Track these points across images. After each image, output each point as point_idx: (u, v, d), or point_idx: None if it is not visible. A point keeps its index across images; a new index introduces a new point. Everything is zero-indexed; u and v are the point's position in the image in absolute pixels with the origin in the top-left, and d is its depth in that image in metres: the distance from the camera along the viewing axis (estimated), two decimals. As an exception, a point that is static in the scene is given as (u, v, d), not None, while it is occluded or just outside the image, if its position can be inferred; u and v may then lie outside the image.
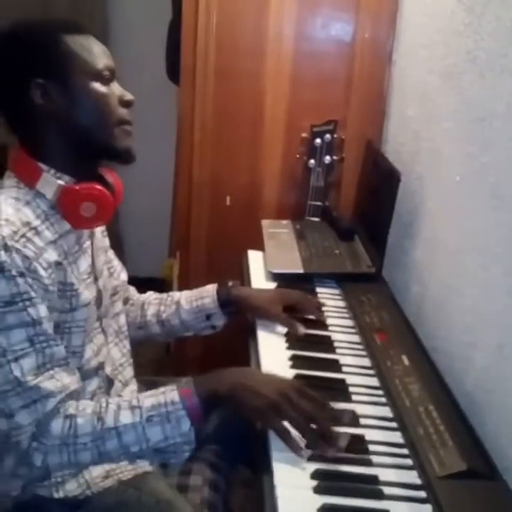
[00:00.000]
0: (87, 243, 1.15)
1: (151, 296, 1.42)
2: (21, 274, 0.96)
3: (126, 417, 0.99)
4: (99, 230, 1.23)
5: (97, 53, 1.07)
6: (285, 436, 0.98)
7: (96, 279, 1.17)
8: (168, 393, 1.02)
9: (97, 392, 1.15)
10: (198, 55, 1.83)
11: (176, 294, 1.41)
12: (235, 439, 1.31)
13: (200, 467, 1.27)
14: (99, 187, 1.09)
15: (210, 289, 1.39)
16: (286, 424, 0.99)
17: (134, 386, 1.28)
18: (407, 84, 1.74)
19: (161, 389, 1.04)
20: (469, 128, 1.27)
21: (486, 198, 1.18)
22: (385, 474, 0.95)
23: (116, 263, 1.31)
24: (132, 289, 1.42)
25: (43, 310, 0.99)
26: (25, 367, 0.97)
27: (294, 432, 0.99)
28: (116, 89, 1.09)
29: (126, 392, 1.24)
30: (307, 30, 1.86)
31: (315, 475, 0.93)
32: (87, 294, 1.11)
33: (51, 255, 1.03)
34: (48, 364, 1.00)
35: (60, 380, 1.01)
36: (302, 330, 1.31)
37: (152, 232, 2.86)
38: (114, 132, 1.09)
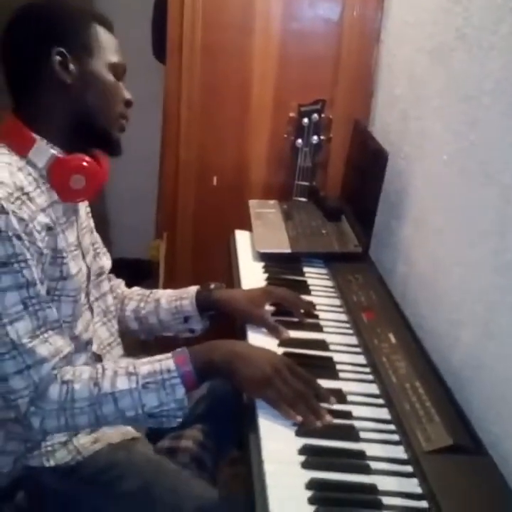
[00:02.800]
0: (73, 217, 1.15)
1: (134, 291, 1.39)
2: (18, 237, 0.96)
3: (122, 383, 1.00)
4: (84, 211, 1.23)
5: (117, 51, 1.13)
6: (278, 404, 1.00)
7: (83, 256, 1.18)
8: (164, 361, 1.03)
9: None
10: (184, 32, 1.80)
11: (159, 292, 1.37)
12: (223, 418, 1.32)
13: (188, 445, 1.28)
14: (90, 160, 1.10)
15: (191, 290, 1.34)
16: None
17: None
18: (395, 63, 1.73)
19: (157, 357, 1.04)
20: (458, 106, 1.26)
21: (474, 176, 1.18)
22: (372, 449, 0.96)
23: (100, 246, 1.29)
24: (119, 282, 1.39)
25: (37, 272, 1.00)
26: (20, 330, 0.97)
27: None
28: (123, 87, 1.15)
29: None
30: (295, 8, 1.84)
31: (303, 450, 0.93)
32: (74, 264, 1.10)
33: (44, 219, 1.03)
34: (42, 327, 1.00)
35: (54, 344, 1.01)
36: (286, 334, 1.24)
37: (139, 213, 2.83)
38: (114, 122, 1.13)
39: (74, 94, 1.08)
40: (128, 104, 1.15)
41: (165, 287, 1.48)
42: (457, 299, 1.22)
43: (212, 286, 1.35)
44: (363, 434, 0.99)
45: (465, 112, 1.23)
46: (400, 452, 0.96)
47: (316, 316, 1.34)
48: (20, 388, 0.98)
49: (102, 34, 1.12)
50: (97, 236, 1.28)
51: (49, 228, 1.04)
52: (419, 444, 0.96)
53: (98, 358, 1.19)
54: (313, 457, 0.92)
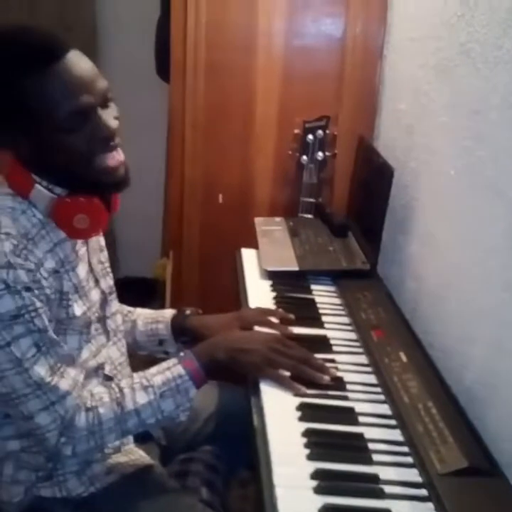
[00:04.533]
0: (83, 249, 1.14)
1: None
2: (27, 289, 0.97)
3: (142, 398, 1.06)
4: None
5: (67, 93, 0.96)
6: (283, 381, 1.11)
7: (97, 282, 1.17)
8: (173, 368, 1.10)
9: None
10: (187, 51, 1.80)
11: (137, 312, 1.38)
12: (233, 438, 1.31)
13: (198, 468, 1.27)
14: (91, 199, 1.06)
15: (167, 314, 1.36)
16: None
17: None
18: (399, 79, 1.73)
19: (164, 365, 1.11)
20: (464, 121, 1.26)
21: (483, 191, 1.17)
22: (385, 473, 0.94)
23: (109, 264, 1.28)
24: None
25: (46, 317, 1.01)
26: (41, 371, 0.99)
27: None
28: (93, 124, 1.00)
29: None
30: (297, 25, 1.84)
31: (315, 475, 0.92)
32: (81, 304, 1.10)
33: (50, 263, 1.04)
34: (57, 363, 1.02)
35: (69, 376, 1.03)
36: None
37: (144, 232, 2.84)
38: (95, 174, 1.04)
39: (40, 161, 1.02)
40: (107, 138, 1.02)
41: (172, 306, 1.47)
42: (468, 316, 1.21)
43: (187, 312, 1.37)
44: (375, 457, 0.97)
45: (471, 128, 1.22)
46: (414, 475, 0.95)
47: (292, 320, 1.33)
48: (47, 423, 1.02)
49: (38, 92, 0.95)
50: (106, 255, 1.27)
51: (55, 271, 1.04)
52: (433, 467, 0.94)
53: (109, 380, 1.18)
54: (325, 482, 0.91)
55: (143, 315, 1.37)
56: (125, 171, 1.07)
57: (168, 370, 1.09)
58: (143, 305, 1.44)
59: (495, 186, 1.12)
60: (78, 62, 0.99)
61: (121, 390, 1.07)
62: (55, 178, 1.05)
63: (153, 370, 1.11)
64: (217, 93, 1.86)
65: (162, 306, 1.92)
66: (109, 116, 1.02)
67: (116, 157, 1.05)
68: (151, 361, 1.29)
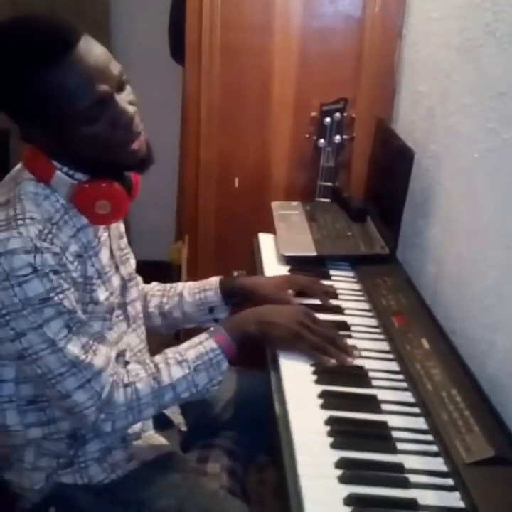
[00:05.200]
0: (105, 235, 1.14)
1: (154, 287, 1.40)
2: (55, 272, 0.98)
3: (177, 372, 1.08)
4: None
5: (84, 84, 0.95)
6: (313, 353, 1.14)
7: (117, 268, 1.17)
8: (205, 342, 1.11)
9: None
10: (203, 32, 1.77)
11: (180, 285, 1.39)
12: (252, 426, 1.31)
13: (218, 454, 1.27)
14: (112, 184, 1.06)
15: (214, 281, 1.37)
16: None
17: None
18: (419, 60, 1.69)
19: (195, 340, 1.13)
20: (489, 103, 1.23)
21: (508, 175, 1.14)
22: (410, 462, 0.93)
23: (128, 250, 1.28)
24: (139, 279, 1.39)
25: (74, 299, 1.02)
26: (75, 349, 1.01)
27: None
28: (112, 111, 0.99)
29: None
30: (315, 5, 1.80)
31: (339, 464, 0.91)
32: (104, 289, 1.10)
33: (74, 248, 1.04)
34: (89, 341, 1.03)
35: (102, 353, 1.04)
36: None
37: (159, 216, 2.82)
38: (118, 157, 1.04)
39: (62, 149, 1.03)
40: (126, 125, 1.01)
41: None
42: (491, 302, 1.19)
43: (235, 274, 1.41)
44: (399, 446, 0.97)
45: (497, 110, 1.20)
46: (439, 464, 0.94)
47: (335, 295, 1.40)
48: (84, 400, 1.02)
49: (54, 84, 0.94)
50: (125, 242, 1.26)
51: (79, 256, 1.05)
52: (459, 456, 0.93)
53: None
54: (350, 471, 0.90)
55: (187, 286, 1.38)
56: (147, 149, 1.06)
57: (201, 345, 1.11)
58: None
59: (521, 170, 1.10)
60: (91, 49, 0.97)
61: (156, 365, 1.08)
62: (77, 165, 1.05)
63: (186, 345, 1.12)
64: (233, 75, 1.83)
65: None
66: (126, 100, 1.02)
67: (139, 142, 1.04)
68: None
